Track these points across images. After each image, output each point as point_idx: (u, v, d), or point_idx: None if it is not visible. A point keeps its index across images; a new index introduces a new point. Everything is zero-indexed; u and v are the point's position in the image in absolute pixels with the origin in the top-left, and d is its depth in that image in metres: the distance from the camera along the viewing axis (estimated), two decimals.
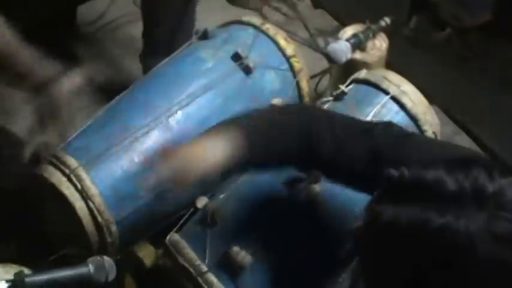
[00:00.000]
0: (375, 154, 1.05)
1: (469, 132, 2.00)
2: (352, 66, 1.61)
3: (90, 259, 1.11)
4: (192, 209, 1.33)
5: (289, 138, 1.11)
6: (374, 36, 1.68)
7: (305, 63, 1.58)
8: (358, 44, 1.63)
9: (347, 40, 1.61)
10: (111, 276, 1.12)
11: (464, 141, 1.96)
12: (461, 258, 0.79)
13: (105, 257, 1.12)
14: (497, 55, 2.24)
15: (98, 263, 1.10)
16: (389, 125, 1.12)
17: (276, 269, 1.24)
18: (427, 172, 0.83)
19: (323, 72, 1.84)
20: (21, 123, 1.76)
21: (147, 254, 1.39)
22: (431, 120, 1.38)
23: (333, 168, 1.12)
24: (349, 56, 1.59)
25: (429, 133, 1.37)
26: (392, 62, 1.86)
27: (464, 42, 2.28)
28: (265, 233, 1.24)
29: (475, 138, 1.98)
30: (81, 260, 1.11)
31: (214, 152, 1.08)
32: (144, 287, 1.46)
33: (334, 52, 1.57)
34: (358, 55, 1.65)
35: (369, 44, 1.68)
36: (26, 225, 1.40)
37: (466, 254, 0.79)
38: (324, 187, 1.26)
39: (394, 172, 0.85)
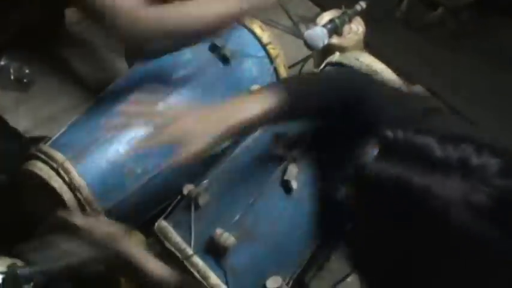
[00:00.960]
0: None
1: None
2: (330, 51, 1.64)
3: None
4: (179, 197, 1.37)
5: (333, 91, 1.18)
6: (350, 20, 1.72)
7: (287, 50, 1.63)
8: (334, 29, 1.67)
9: (323, 26, 1.65)
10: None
11: None
12: (436, 222, 0.83)
13: None
14: (491, 32, 2.27)
15: None
16: None
17: (259, 249, 1.29)
18: (419, 137, 0.87)
19: (305, 59, 1.87)
20: (15, 121, 1.83)
21: (137, 242, 1.43)
22: None
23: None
24: (326, 41, 1.63)
25: None
26: (385, 45, 1.90)
27: (458, 21, 2.32)
28: (247, 214, 1.28)
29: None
30: None
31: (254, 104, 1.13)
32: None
33: (310, 38, 1.62)
34: (335, 40, 1.69)
35: (346, 29, 1.72)
36: (19, 219, 1.45)
37: (440, 219, 0.82)
38: (302, 167, 1.31)
39: (389, 132, 0.89)
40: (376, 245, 0.91)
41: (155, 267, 1.19)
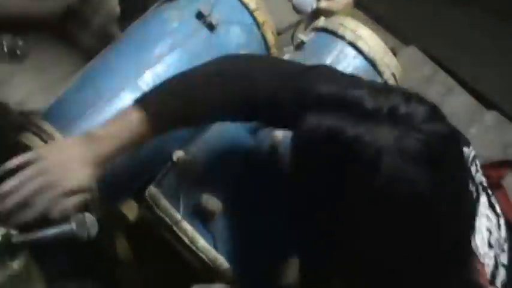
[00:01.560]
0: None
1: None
2: (319, 15, 1.65)
3: (72, 217, 1.17)
4: (169, 163, 1.41)
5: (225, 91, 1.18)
6: None
7: (278, 15, 1.64)
8: None
9: None
10: (93, 232, 1.19)
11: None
12: (368, 169, 0.86)
13: (87, 214, 1.18)
14: None
15: (80, 220, 1.17)
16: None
17: (245, 213, 1.32)
18: (350, 90, 0.91)
19: (296, 24, 1.88)
20: (10, 92, 1.86)
21: (129, 209, 1.46)
22: (389, 62, 1.43)
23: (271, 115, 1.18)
24: (315, 5, 1.65)
25: (387, 75, 1.42)
26: (377, 2, 1.90)
27: None
28: (233, 180, 1.32)
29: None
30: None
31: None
32: (133, 242, 1.54)
33: (299, 3, 1.63)
34: (324, 4, 1.69)
35: None
36: None
37: (372, 165, 0.86)
38: (286, 133, 1.33)
39: (323, 87, 0.94)
40: (314, 195, 0.94)
41: None
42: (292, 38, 1.88)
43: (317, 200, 0.94)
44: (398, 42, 2.07)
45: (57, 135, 1.32)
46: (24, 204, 1.11)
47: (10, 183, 1.11)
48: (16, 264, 1.16)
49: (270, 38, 1.57)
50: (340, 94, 0.92)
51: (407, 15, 2.16)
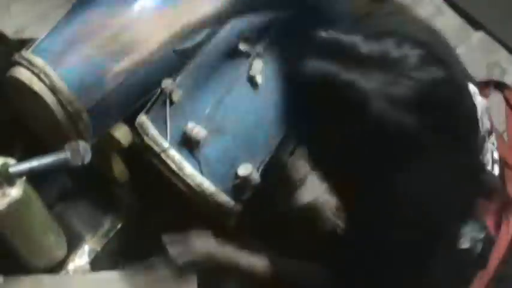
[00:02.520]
0: None
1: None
2: None
3: (66, 145, 1.24)
4: (159, 91, 1.46)
5: None
6: None
7: None
8: None
9: None
10: (87, 159, 1.26)
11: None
12: (359, 113, 0.91)
13: (80, 142, 1.25)
14: None
15: (74, 148, 1.24)
16: None
17: (229, 140, 1.39)
18: (346, 36, 0.95)
19: None
20: (7, 21, 1.90)
21: (122, 134, 1.50)
22: None
23: None
24: None
25: None
26: None
27: None
28: (217, 108, 1.38)
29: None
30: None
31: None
32: (129, 165, 1.62)
33: None
34: None
35: None
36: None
37: (362, 109, 0.90)
38: (267, 61, 1.38)
39: (321, 32, 0.97)
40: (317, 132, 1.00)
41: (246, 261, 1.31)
42: None
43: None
44: None
45: (47, 68, 1.38)
46: None
47: None
48: (15, 192, 1.24)
49: None
50: (336, 39, 0.95)
51: None
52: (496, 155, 1.23)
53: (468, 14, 1.97)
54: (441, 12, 1.99)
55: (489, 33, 1.94)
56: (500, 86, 1.81)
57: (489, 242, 1.25)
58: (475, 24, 1.97)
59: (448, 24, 1.97)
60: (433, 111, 0.93)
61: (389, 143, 0.93)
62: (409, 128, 0.91)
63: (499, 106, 1.76)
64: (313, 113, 0.99)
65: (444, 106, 0.95)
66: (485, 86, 1.80)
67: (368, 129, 0.93)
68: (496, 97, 1.79)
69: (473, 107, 1.10)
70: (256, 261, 1.29)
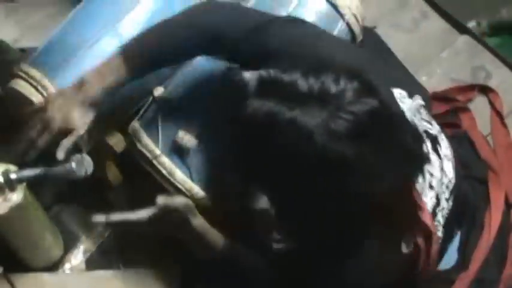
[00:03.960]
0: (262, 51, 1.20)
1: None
2: None
3: (72, 156, 1.31)
4: (151, 98, 1.53)
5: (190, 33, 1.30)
6: None
7: None
8: None
9: None
10: (89, 170, 1.33)
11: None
12: (303, 150, 0.96)
13: (84, 155, 1.33)
14: None
15: (79, 160, 1.31)
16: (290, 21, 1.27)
17: (217, 148, 1.43)
18: (287, 75, 0.99)
19: None
20: (5, 30, 1.96)
21: (116, 141, 1.58)
22: (349, 4, 1.51)
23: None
24: None
25: (348, 16, 1.50)
26: None
27: None
28: (207, 117, 1.43)
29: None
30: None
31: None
32: (123, 170, 1.67)
33: None
34: None
35: None
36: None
37: (306, 146, 0.95)
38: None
39: (262, 72, 1.02)
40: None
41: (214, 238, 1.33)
42: None
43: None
44: None
45: (45, 81, 1.45)
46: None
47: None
48: (16, 197, 1.30)
49: None
50: (276, 78, 1.00)
51: None
52: (446, 151, 1.27)
53: (453, 18, 2.01)
54: (426, 16, 2.03)
55: (474, 37, 1.98)
56: (485, 89, 1.87)
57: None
58: (460, 28, 2.00)
59: (433, 28, 2.01)
60: (371, 138, 0.98)
61: (332, 175, 0.98)
62: (350, 158, 0.96)
63: (483, 110, 1.83)
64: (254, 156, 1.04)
65: (381, 132, 1.00)
66: (470, 90, 1.86)
67: (312, 164, 0.97)
68: (481, 101, 1.86)
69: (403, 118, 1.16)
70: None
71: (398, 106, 1.19)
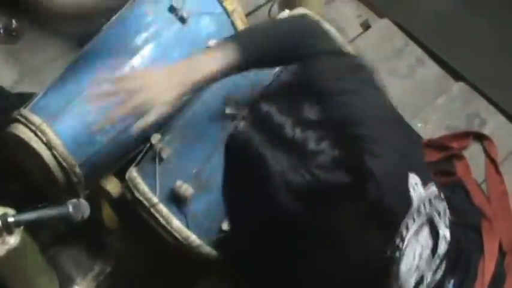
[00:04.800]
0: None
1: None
2: None
3: (69, 201, 1.32)
4: (148, 145, 1.54)
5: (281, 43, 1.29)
6: None
7: None
8: None
9: None
10: (86, 214, 1.35)
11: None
12: (261, 186, 0.98)
13: (81, 200, 1.35)
14: None
15: (75, 204, 1.32)
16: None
17: (214, 197, 1.43)
18: (279, 116, 0.99)
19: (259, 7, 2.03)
20: (6, 72, 1.99)
21: (113, 186, 1.60)
22: None
23: None
24: None
25: None
26: None
27: None
28: (204, 167, 1.45)
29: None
30: (61, 201, 1.33)
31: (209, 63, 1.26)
32: (119, 214, 1.69)
33: None
34: None
35: None
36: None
37: (264, 184, 0.97)
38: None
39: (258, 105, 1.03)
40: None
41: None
42: (269, 13, 2.00)
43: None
44: (373, 15, 2.14)
45: (43, 126, 1.46)
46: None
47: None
48: (13, 240, 1.31)
49: (240, 25, 1.67)
50: (270, 115, 1.00)
51: None
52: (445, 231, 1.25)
53: (449, 65, 2.04)
54: (422, 62, 2.05)
55: (469, 84, 2.00)
56: (480, 137, 1.89)
57: None
58: (456, 75, 2.03)
59: (429, 74, 2.03)
60: (320, 207, 0.98)
61: (281, 226, 0.99)
62: (295, 214, 0.96)
63: (478, 157, 1.85)
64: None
65: (331, 207, 0.99)
66: (464, 137, 1.88)
67: (267, 204, 0.99)
68: (476, 148, 1.88)
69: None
70: None
71: (401, 195, 1.14)
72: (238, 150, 1.03)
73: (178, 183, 1.43)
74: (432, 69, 2.05)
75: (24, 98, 1.61)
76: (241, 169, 1.03)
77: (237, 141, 1.03)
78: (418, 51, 2.07)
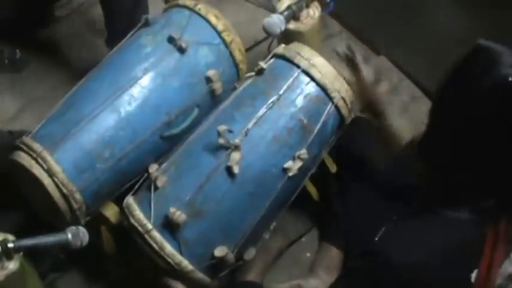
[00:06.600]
0: None
1: None
2: (288, 34, 1.79)
3: (68, 228, 1.37)
4: (146, 174, 1.60)
5: None
6: (308, 6, 1.84)
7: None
8: (291, 16, 1.78)
9: (281, 13, 1.76)
10: (85, 241, 1.39)
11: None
12: None
13: (80, 227, 1.39)
14: None
15: (74, 232, 1.37)
16: None
17: (207, 224, 1.50)
18: None
19: (259, 42, 2.10)
20: (10, 101, 2.05)
21: (111, 213, 1.65)
22: (339, 88, 1.58)
23: None
24: (283, 27, 1.73)
25: (337, 99, 1.57)
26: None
27: None
28: (197, 195, 1.49)
29: None
30: (60, 228, 1.37)
31: None
32: (118, 239, 1.72)
33: (269, 26, 1.72)
34: (292, 25, 1.80)
35: (303, 14, 1.83)
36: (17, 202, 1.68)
37: None
38: (244, 156, 1.50)
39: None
40: None
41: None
42: (268, 48, 2.05)
43: None
44: (370, 52, 2.20)
45: (44, 153, 1.52)
46: None
47: None
48: (13, 265, 1.34)
49: (238, 55, 1.72)
50: None
51: (379, 28, 2.27)
52: None
53: None
54: (415, 100, 2.10)
55: None
56: None
57: None
58: None
59: (422, 111, 2.06)
60: None
61: None
62: None
63: None
64: None
65: None
66: None
67: None
68: None
69: None
70: None
71: None
72: None
73: (172, 210, 1.47)
74: (425, 105, 2.05)
75: (14, 136, 1.67)
76: None
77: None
78: (412, 88, 2.13)
